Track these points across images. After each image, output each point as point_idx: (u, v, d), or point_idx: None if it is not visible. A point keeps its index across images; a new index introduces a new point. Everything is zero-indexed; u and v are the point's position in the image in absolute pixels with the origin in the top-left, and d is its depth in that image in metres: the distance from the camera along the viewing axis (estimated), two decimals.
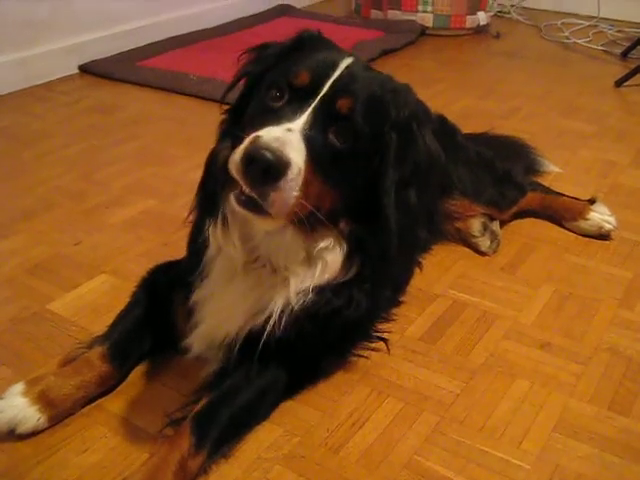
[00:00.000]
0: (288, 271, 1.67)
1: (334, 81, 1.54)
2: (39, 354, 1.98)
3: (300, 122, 1.48)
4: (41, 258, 2.44)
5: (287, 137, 1.43)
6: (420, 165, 1.65)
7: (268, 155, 1.38)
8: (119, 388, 1.85)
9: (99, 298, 2.22)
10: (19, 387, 1.71)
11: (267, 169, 1.39)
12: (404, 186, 1.64)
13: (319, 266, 1.66)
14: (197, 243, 1.78)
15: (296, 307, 1.66)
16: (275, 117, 1.50)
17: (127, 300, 1.95)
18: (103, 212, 2.75)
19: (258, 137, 1.41)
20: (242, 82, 1.73)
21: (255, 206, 1.46)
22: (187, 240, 1.89)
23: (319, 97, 1.52)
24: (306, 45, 1.68)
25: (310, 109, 1.50)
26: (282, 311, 1.67)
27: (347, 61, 1.59)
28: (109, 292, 2.24)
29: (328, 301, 1.69)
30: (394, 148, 1.60)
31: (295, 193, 1.44)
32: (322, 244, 1.64)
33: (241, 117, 1.66)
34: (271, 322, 1.67)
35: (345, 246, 1.66)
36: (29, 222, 2.68)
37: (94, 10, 4.42)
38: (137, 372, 1.89)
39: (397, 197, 1.62)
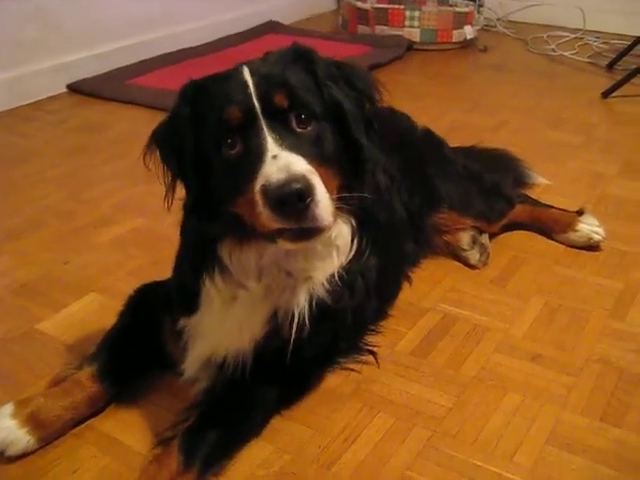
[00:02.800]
0: (307, 271, 1.67)
1: (256, 92, 1.52)
2: (28, 374, 1.97)
3: (272, 143, 1.46)
4: (30, 278, 2.43)
5: (282, 161, 1.41)
6: (357, 81, 1.68)
7: (293, 186, 1.36)
8: (109, 408, 1.84)
9: (88, 317, 2.21)
10: (8, 409, 1.70)
11: (300, 196, 1.37)
12: (360, 104, 1.67)
13: (333, 251, 1.68)
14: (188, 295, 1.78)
15: (323, 297, 1.68)
16: (249, 159, 1.47)
17: (115, 320, 1.95)
18: (92, 231, 2.75)
19: (267, 185, 1.39)
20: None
21: (309, 233, 1.45)
22: (175, 290, 1.87)
23: (260, 114, 1.50)
24: (197, 93, 1.61)
25: (265, 128, 1.48)
26: (308, 307, 1.67)
27: (246, 69, 1.57)
28: (98, 311, 2.24)
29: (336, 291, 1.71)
30: (337, 90, 1.61)
31: (327, 193, 1.44)
32: (335, 230, 1.63)
33: (205, 194, 1.60)
34: (295, 321, 1.67)
35: (353, 220, 1.67)
36: (17, 242, 2.67)
37: (82, 29, 4.44)
38: (127, 391, 1.88)
39: (357, 111, 1.64)
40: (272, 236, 1.48)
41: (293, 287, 1.67)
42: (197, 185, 1.61)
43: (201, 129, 1.57)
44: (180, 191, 1.67)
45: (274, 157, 1.43)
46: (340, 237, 1.66)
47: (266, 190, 1.39)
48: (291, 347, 1.68)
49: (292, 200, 1.37)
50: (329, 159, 1.54)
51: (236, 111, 1.51)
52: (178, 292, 1.84)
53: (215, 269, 1.68)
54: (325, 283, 1.68)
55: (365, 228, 1.71)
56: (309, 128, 1.54)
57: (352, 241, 1.69)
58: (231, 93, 1.53)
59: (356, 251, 1.71)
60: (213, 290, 1.71)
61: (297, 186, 1.36)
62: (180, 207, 1.69)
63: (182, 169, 1.62)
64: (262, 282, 1.67)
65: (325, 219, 1.43)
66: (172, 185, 1.67)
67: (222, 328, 1.73)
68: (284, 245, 1.49)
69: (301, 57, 1.63)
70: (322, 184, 1.43)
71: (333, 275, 1.69)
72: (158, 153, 1.66)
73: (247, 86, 1.52)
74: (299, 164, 1.42)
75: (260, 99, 1.51)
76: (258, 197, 1.41)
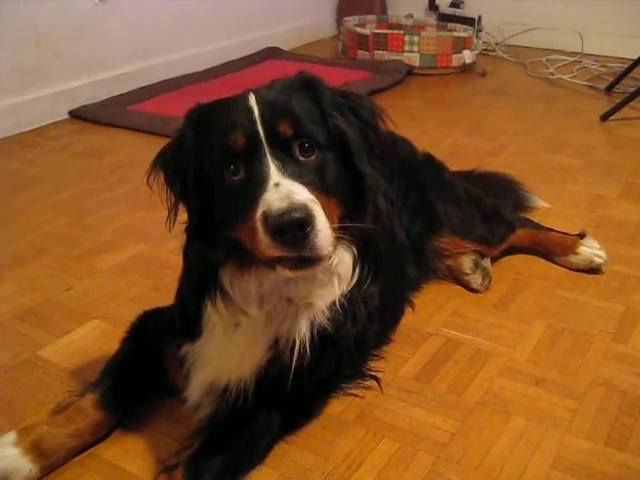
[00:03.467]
0: (307, 298, 1.66)
1: (261, 119, 1.52)
2: (31, 401, 1.96)
3: (275, 171, 1.46)
4: (32, 304, 2.43)
5: (284, 190, 1.42)
6: (365, 112, 1.69)
7: (294, 215, 1.37)
8: (112, 435, 1.83)
9: (91, 344, 2.20)
10: (11, 437, 1.69)
11: (300, 225, 1.37)
12: (364, 134, 1.66)
13: (334, 279, 1.67)
14: (190, 320, 1.78)
15: (325, 325, 1.67)
16: (251, 185, 1.48)
17: (117, 346, 1.95)
18: (94, 257, 2.75)
19: (268, 213, 1.39)
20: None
21: (308, 261, 1.45)
22: (177, 316, 1.86)
23: (264, 141, 1.50)
24: (203, 118, 1.62)
25: (269, 155, 1.49)
26: (310, 334, 1.67)
27: (252, 96, 1.57)
28: (101, 338, 2.23)
29: (337, 319, 1.70)
30: (341, 120, 1.62)
31: (327, 222, 1.45)
32: (335, 258, 1.63)
33: (207, 218, 1.61)
34: (297, 348, 1.66)
35: (354, 249, 1.67)
36: (20, 268, 2.67)
37: (83, 56, 4.48)
38: (130, 418, 1.87)
39: (361, 141, 1.64)
40: (272, 263, 1.48)
41: (294, 314, 1.67)
42: (199, 209, 1.61)
43: (205, 153, 1.58)
44: (182, 215, 1.67)
45: (276, 185, 1.43)
46: (341, 265, 1.66)
47: (266, 218, 1.39)
48: (292, 374, 1.68)
49: (292, 229, 1.37)
50: (331, 188, 1.54)
51: (240, 137, 1.51)
52: (180, 316, 1.84)
53: (217, 294, 1.67)
54: (326, 310, 1.67)
55: (367, 255, 1.71)
56: (312, 157, 1.54)
57: (354, 269, 1.69)
58: (236, 119, 1.54)
59: (358, 279, 1.70)
60: (215, 315, 1.71)
61: (297, 215, 1.37)
62: (182, 232, 1.70)
63: (185, 192, 1.63)
64: (263, 309, 1.67)
65: (325, 248, 1.43)
66: (174, 208, 1.67)
67: (224, 355, 1.73)
68: (283, 273, 1.49)
69: (307, 86, 1.64)
70: (323, 213, 1.44)
71: (334, 302, 1.68)
72: (162, 175, 1.66)
73: (252, 113, 1.53)
74: (300, 193, 1.42)
75: (265, 126, 1.51)
76: (258, 224, 1.41)
